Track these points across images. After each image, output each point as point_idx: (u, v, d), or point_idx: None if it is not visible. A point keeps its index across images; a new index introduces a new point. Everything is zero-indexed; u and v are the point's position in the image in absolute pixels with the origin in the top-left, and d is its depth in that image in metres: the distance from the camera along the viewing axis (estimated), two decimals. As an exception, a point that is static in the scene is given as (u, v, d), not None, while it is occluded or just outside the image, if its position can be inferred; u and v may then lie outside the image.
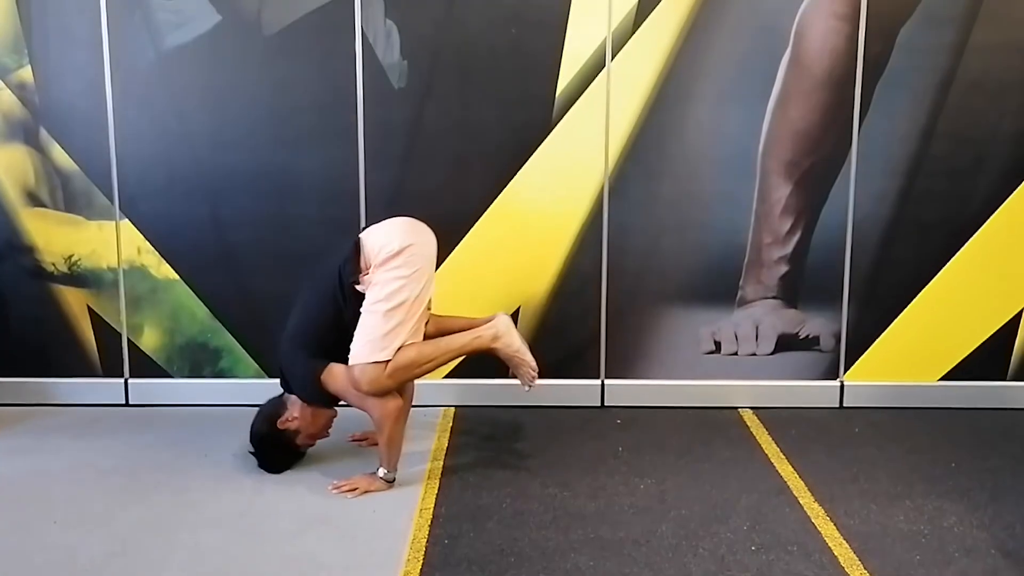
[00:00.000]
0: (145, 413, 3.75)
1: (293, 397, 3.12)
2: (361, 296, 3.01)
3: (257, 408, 3.22)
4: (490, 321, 3.15)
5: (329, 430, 3.22)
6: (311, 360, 3.04)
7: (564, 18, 3.60)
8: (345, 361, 3.00)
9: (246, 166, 3.68)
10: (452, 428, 3.60)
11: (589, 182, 3.71)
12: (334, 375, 3.02)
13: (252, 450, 3.15)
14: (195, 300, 3.79)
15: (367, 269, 3.00)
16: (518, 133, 3.67)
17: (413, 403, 3.49)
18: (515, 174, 3.68)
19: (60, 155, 3.69)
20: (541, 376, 3.81)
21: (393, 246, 2.97)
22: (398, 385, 3.03)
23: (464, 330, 3.15)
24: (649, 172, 3.70)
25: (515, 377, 3.22)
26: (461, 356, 3.23)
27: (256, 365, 3.78)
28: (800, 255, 3.75)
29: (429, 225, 3.64)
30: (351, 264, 3.01)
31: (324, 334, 3.05)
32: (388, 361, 2.95)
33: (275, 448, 3.14)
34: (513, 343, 3.12)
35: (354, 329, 3.00)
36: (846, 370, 3.85)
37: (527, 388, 3.21)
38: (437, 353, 3.06)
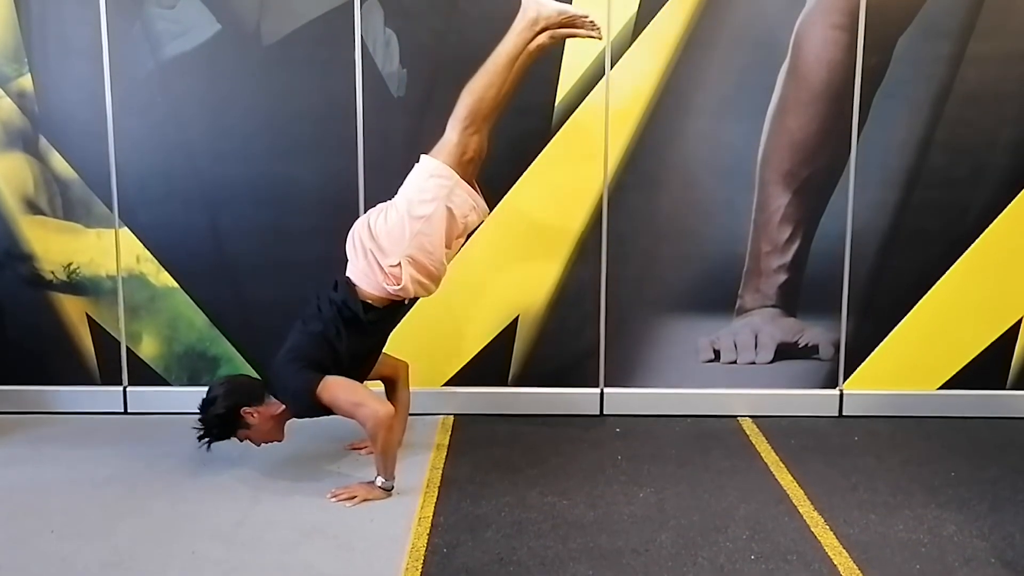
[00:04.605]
0: (143, 421, 3.74)
1: (273, 400, 3.10)
2: (360, 329, 3.08)
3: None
4: (520, 15, 3.08)
5: (270, 443, 3.18)
6: (305, 371, 3.03)
7: (563, 28, 3.61)
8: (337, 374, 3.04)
9: (245, 175, 3.69)
10: (451, 437, 3.59)
11: (588, 191, 3.72)
12: (328, 387, 3.01)
13: (200, 411, 3.10)
14: (194, 308, 3.79)
15: (379, 290, 3.07)
16: (517, 142, 3.67)
17: (411, 411, 3.51)
18: (514, 183, 3.69)
19: (59, 163, 3.70)
20: (541, 385, 3.84)
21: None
22: (479, 119, 3.06)
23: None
24: (648, 181, 3.71)
25: (569, 37, 3.12)
26: (514, 59, 3.08)
27: (255, 373, 3.77)
28: (799, 264, 3.76)
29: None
30: (350, 296, 3.08)
31: (321, 353, 3.06)
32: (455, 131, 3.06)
33: (219, 426, 3.07)
34: (551, 8, 3.05)
35: (346, 361, 3.08)
36: (845, 379, 3.85)
37: (598, 36, 3.10)
38: (489, 71, 3.05)
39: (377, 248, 3.06)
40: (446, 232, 3.07)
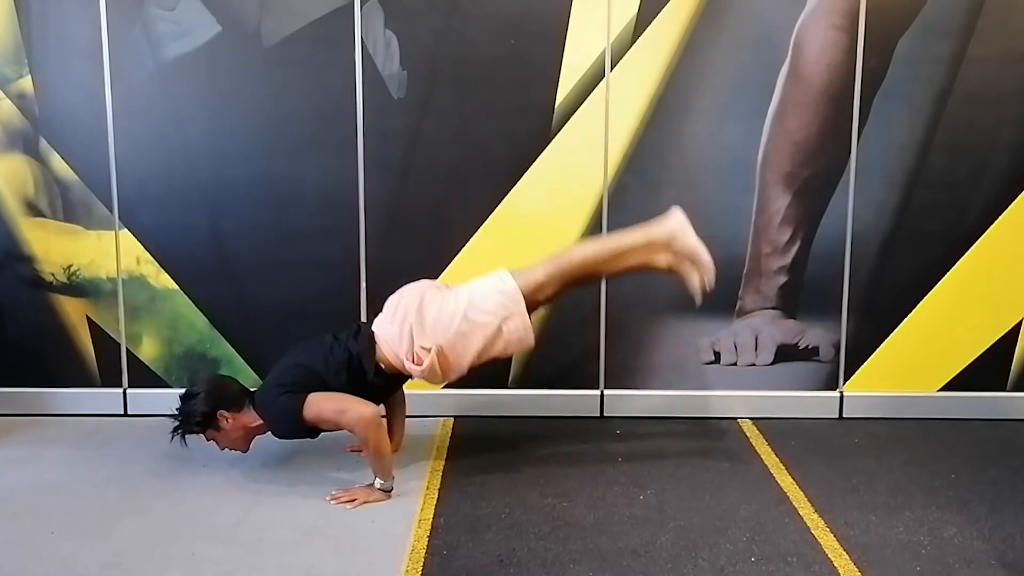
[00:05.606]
0: (144, 423, 3.74)
1: (252, 410, 3.11)
2: (360, 384, 3.07)
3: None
4: (664, 222, 3.06)
5: (234, 450, 3.18)
6: (289, 395, 3.01)
7: (563, 29, 3.61)
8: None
9: (245, 176, 3.69)
10: (450, 438, 3.59)
11: (588, 193, 3.72)
12: (311, 403, 2.99)
13: (180, 398, 3.13)
14: (194, 310, 3.78)
15: (395, 358, 3.06)
16: (517, 144, 3.68)
17: (410, 413, 3.51)
18: (514, 185, 3.69)
19: (60, 165, 3.70)
20: (541, 387, 3.83)
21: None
22: (568, 277, 3.07)
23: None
24: (648, 183, 3.71)
25: (681, 277, 3.08)
26: (627, 251, 3.07)
27: (255, 375, 3.77)
28: (799, 265, 3.76)
29: (429, 234, 3.65)
30: (367, 353, 3.07)
31: (311, 387, 3.04)
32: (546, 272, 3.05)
33: (195, 422, 3.09)
34: (690, 239, 3.03)
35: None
36: (845, 380, 3.85)
37: (700, 298, 3.07)
38: (606, 246, 3.07)
39: (419, 325, 3.02)
40: (484, 346, 3.04)
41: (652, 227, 3.09)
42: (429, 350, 3.01)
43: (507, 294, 3.04)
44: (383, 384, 3.14)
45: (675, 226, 3.06)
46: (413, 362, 3.04)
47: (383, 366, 3.10)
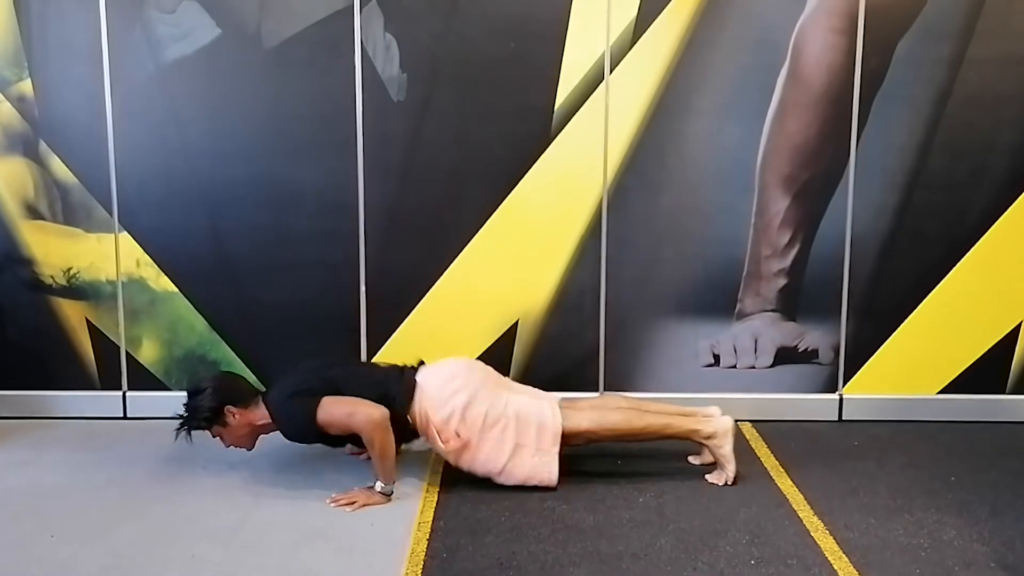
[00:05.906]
0: (143, 426, 3.74)
1: (261, 406, 3.10)
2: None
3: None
4: (712, 414, 3.21)
5: (239, 448, 3.17)
6: (299, 398, 3.01)
7: (563, 31, 3.61)
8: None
9: (245, 178, 3.69)
10: (451, 441, 3.59)
11: (588, 195, 3.72)
12: (323, 407, 3.00)
13: (188, 393, 3.14)
14: (193, 312, 3.78)
15: (424, 417, 3.08)
16: (517, 146, 3.68)
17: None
18: (514, 186, 3.69)
19: (59, 168, 3.70)
20: (540, 389, 3.82)
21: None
22: (598, 436, 3.18)
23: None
24: (648, 185, 3.71)
25: (708, 468, 3.28)
26: (662, 433, 3.20)
27: (255, 377, 3.77)
28: (799, 268, 3.76)
29: (428, 236, 3.64)
30: (403, 403, 3.07)
31: (326, 390, 3.04)
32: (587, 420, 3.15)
33: (202, 417, 3.09)
34: (726, 447, 3.17)
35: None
36: (845, 383, 3.85)
37: (715, 479, 3.22)
38: (646, 423, 3.17)
39: (462, 411, 3.06)
40: (504, 467, 3.08)
41: (701, 422, 3.19)
42: (459, 437, 3.05)
43: (549, 432, 3.10)
44: (401, 429, 3.11)
45: (722, 429, 3.17)
46: (439, 435, 3.07)
47: (410, 419, 3.10)
